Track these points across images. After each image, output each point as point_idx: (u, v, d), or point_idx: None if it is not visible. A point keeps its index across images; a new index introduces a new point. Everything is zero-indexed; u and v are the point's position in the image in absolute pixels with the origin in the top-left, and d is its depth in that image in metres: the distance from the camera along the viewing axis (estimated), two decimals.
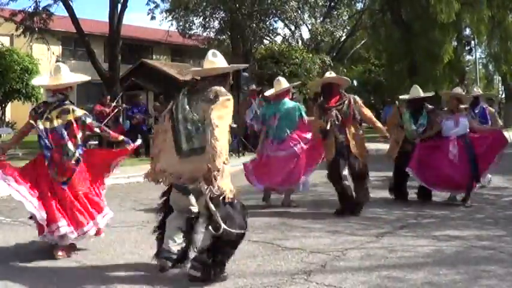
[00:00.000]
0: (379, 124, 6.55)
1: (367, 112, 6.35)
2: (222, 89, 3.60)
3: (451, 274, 3.78)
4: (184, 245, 3.85)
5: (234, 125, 13.69)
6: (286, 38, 22.83)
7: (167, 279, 3.77)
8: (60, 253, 4.35)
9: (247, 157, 10.31)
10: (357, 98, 6.30)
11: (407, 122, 6.97)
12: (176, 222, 3.83)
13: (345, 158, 6.04)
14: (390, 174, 7.38)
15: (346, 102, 6.12)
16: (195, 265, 3.57)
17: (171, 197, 3.90)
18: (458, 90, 8.16)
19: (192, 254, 3.83)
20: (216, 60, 3.80)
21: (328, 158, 6.19)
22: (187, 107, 3.61)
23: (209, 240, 3.51)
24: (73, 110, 4.50)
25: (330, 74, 6.48)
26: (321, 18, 21.84)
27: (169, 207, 3.94)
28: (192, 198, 3.79)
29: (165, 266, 3.78)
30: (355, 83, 31.79)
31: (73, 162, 4.40)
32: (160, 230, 3.99)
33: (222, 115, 3.47)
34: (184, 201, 3.82)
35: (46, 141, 4.38)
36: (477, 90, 8.75)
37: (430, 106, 7.15)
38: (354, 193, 6.08)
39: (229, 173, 3.57)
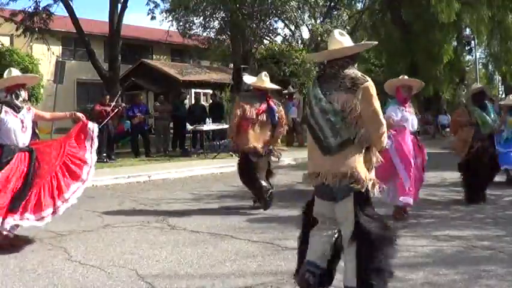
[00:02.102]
0: None
1: None
2: (358, 73, 3.16)
3: (451, 274, 3.79)
4: (329, 262, 3.22)
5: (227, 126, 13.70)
6: (286, 38, 22.80)
7: (167, 279, 3.77)
8: None
9: None
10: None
11: (483, 117, 6.87)
12: (321, 235, 3.25)
13: None
14: None
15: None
16: None
17: (316, 208, 3.29)
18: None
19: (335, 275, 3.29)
20: (343, 40, 3.27)
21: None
22: (322, 97, 3.17)
23: (355, 259, 3.01)
24: None
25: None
26: (321, 18, 21.83)
27: (313, 218, 3.30)
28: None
29: (309, 281, 3.12)
30: None
31: None
32: (304, 244, 3.33)
33: (375, 107, 3.10)
34: (330, 209, 3.21)
35: None
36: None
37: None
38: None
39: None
